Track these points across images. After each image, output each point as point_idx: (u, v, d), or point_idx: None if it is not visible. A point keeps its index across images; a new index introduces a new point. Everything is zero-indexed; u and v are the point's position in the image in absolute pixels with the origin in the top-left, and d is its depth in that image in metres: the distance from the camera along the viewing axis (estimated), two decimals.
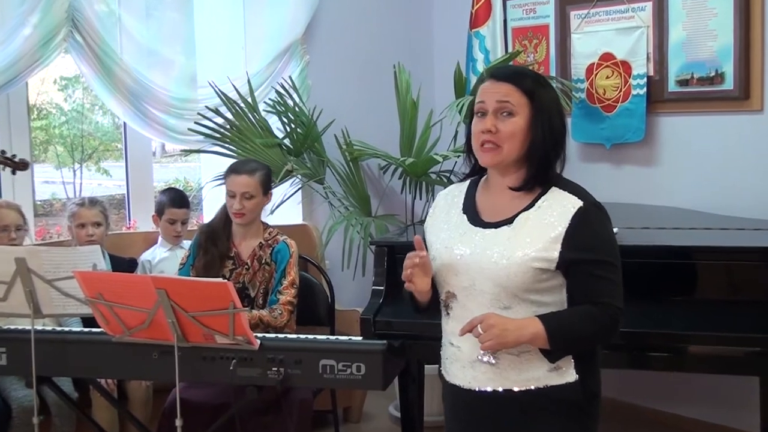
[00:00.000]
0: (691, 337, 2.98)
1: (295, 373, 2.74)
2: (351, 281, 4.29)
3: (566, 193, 2.17)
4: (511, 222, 2.16)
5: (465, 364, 2.22)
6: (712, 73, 4.00)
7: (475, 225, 2.22)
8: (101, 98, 4.26)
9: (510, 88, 2.16)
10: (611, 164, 4.45)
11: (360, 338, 2.92)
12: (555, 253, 2.11)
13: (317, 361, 2.73)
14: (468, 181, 2.33)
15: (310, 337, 2.88)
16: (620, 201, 4.13)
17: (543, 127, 2.15)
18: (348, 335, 3.01)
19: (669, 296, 3.11)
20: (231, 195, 3.43)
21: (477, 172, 2.30)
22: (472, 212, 2.25)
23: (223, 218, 3.51)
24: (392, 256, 3.41)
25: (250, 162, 3.59)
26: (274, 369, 2.73)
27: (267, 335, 2.92)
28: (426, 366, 3.64)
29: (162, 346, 2.75)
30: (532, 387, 2.15)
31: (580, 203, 2.14)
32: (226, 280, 2.66)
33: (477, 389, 2.20)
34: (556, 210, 2.14)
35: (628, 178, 4.40)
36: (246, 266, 3.47)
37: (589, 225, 2.13)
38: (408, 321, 3.16)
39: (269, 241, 3.49)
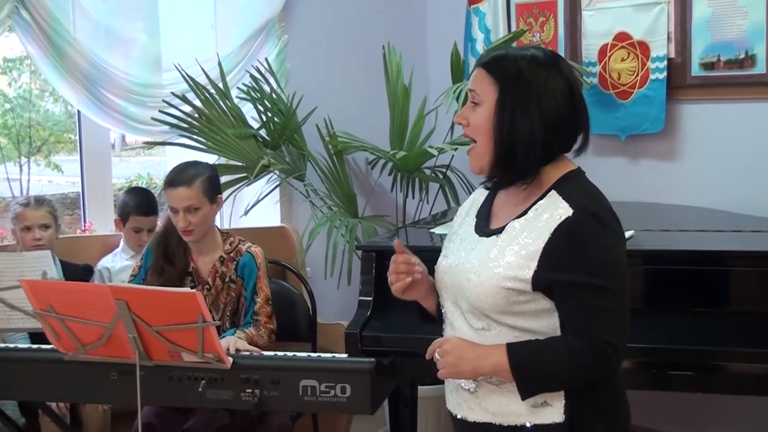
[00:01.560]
0: (720, 353, 2.97)
1: (272, 395, 2.73)
2: (335, 291, 4.27)
3: (560, 198, 2.08)
4: (501, 231, 2.13)
5: (452, 388, 2.23)
6: (742, 55, 4.00)
7: (476, 232, 2.20)
8: (51, 83, 4.22)
9: (480, 74, 2.14)
10: (627, 158, 4.45)
11: (345, 356, 2.92)
12: (528, 273, 2.04)
13: (297, 382, 2.72)
14: None
15: (289, 354, 2.87)
16: (637, 200, 4.13)
17: (506, 111, 2.08)
18: (331, 352, 3.00)
19: (694, 307, 3.10)
20: (173, 211, 3.36)
21: None
22: (483, 217, 2.23)
23: (176, 230, 3.41)
24: (381, 262, 3.39)
25: (186, 169, 3.43)
26: (248, 391, 2.72)
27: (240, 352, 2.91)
28: (420, 387, 3.62)
29: (122, 365, 2.74)
30: (513, 424, 2.11)
31: (569, 212, 2.05)
32: (194, 290, 2.65)
33: (460, 417, 2.20)
34: (544, 220, 2.07)
35: (645, 173, 4.39)
36: (207, 285, 3.42)
37: (576, 239, 2.03)
38: (399, 336, 3.16)
39: (231, 254, 3.45)
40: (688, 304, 3.10)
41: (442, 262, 2.24)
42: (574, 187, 2.12)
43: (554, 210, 2.06)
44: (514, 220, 2.11)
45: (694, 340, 3.00)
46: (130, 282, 3.47)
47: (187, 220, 3.32)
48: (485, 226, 2.19)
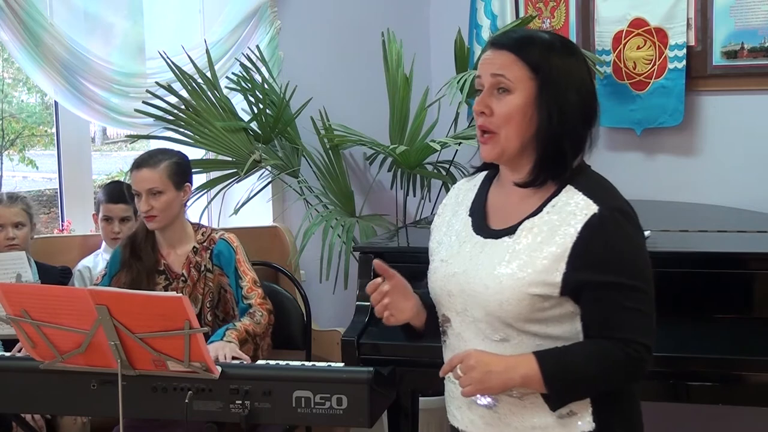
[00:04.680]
0: (743, 362, 2.97)
1: (263, 407, 2.73)
2: (331, 296, 4.29)
3: (580, 194, 2.08)
4: (514, 232, 2.11)
5: (462, 404, 2.21)
6: (767, 44, 4.00)
7: (478, 233, 2.18)
8: (26, 71, 4.22)
9: (509, 58, 2.10)
10: (643, 153, 4.46)
11: (341, 365, 2.91)
12: (557, 276, 2.03)
13: (290, 393, 2.72)
14: (484, 174, 2.29)
15: (282, 363, 2.87)
16: (654, 198, 4.14)
17: (550, 105, 2.06)
18: (327, 361, 3.00)
19: (715, 313, 3.10)
20: (136, 194, 3.46)
21: (489, 164, 2.25)
22: (479, 215, 2.21)
23: (145, 227, 3.52)
24: None
25: (154, 153, 3.58)
26: (238, 402, 2.72)
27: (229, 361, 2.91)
28: (421, 399, 3.62)
29: (102, 375, 2.74)
30: None
31: (594, 209, 2.05)
32: (180, 295, 2.65)
33: None
34: (565, 218, 2.06)
35: (663, 170, 4.40)
36: (182, 278, 3.47)
37: (605, 237, 2.03)
38: (399, 344, 3.14)
39: (204, 243, 3.51)
40: (708, 310, 3.11)
41: (442, 269, 2.20)
42: (589, 181, 2.12)
43: (575, 207, 2.06)
44: (526, 219, 2.10)
45: (715, 348, 3.01)
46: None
47: (149, 203, 3.41)
48: (486, 226, 2.18)
